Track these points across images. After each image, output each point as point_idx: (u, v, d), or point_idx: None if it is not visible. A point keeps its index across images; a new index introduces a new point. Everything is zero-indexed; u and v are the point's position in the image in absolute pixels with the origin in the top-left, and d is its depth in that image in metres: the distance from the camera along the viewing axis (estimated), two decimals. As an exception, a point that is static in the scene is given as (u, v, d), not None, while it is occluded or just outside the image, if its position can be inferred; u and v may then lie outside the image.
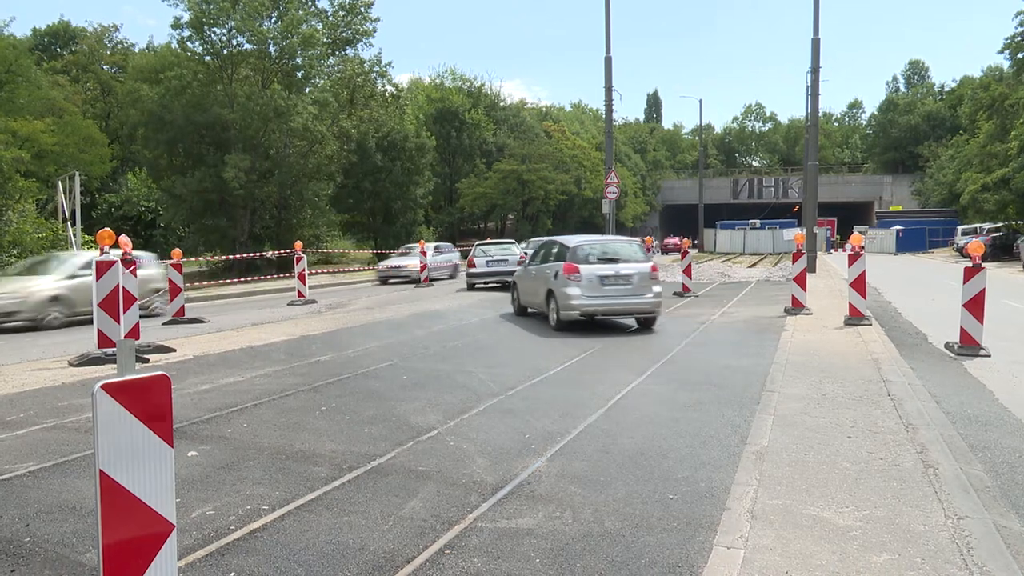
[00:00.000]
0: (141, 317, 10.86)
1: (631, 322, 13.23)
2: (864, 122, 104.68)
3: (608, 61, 27.59)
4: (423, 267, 25.93)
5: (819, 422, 6.23)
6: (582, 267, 12.35)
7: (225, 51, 32.25)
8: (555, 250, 13.66)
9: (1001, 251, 34.61)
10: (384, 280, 27.29)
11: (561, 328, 12.63)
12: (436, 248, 29.06)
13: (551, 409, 6.86)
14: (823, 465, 5.11)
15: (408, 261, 27.10)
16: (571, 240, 13.62)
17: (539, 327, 13.10)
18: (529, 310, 14.92)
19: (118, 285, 9.32)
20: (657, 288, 12.65)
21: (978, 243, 10.55)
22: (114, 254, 9.69)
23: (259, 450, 5.68)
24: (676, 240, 25.65)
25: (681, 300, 18.13)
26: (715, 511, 4.32)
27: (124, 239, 10.61)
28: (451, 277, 28.66)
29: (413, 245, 29.61)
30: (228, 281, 24.75)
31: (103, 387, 2.37)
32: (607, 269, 12.41)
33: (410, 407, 7.05)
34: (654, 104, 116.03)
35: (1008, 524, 4.10)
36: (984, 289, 9.73)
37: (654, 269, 12.74)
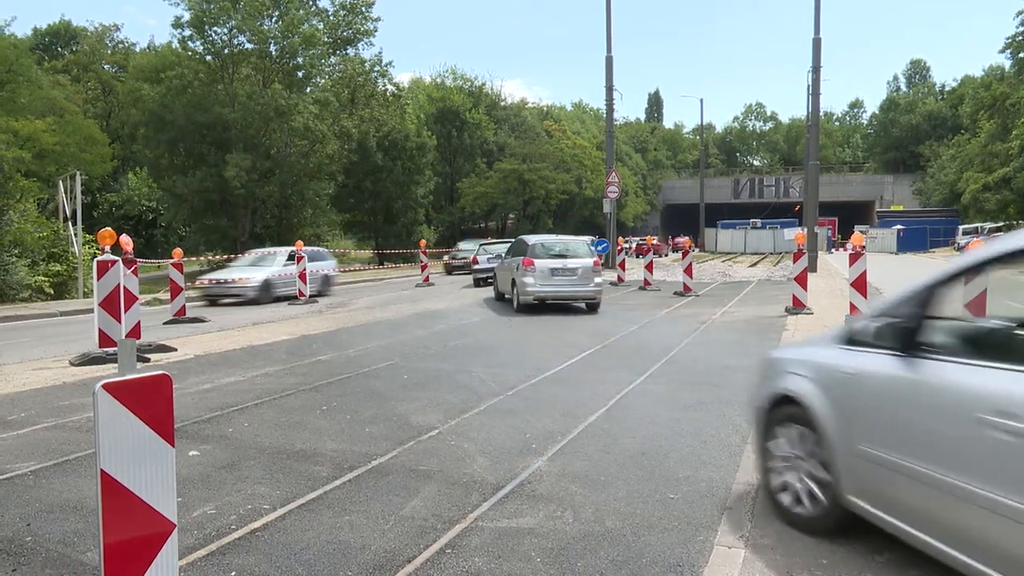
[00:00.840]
0: None
1: (638, 321, 13.39)
2: (865, 121, 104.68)
3: (609, 60, 27.60)
4: (424, 266, 25.91)
5: (820, 422, 6.23)
6: (537, 261, 15.26)
7: (226, 51, 32.28)
8: (520, 247, 16.48)
9: (1002, 251, 34.57)
10: (212, 300, 19.40)
11: (521, 310, 15.38)
12: (292, 257, 20.36)
13: (552, 409, 6.87)
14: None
15: (242, 274, 20.02)
16: (531, 239, 16.61)
17: (539, 327, 13.11)
18: (505, 296, 17.10)
19: (119, 284, 9.32)
20: (599, 279, 15.46)
21: (979, 243, 10.54)
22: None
23: (260, 449, 5.69)
24: (686, 239, 26.05)
25: (682, 299, 18.13)
26: (716, 511, 4.32)
27: (125, 239, 10.61)
28: (319, 294, 21.16)
29: (267, 251, 22.14)
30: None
31: (104, 387, 2.37)
32: (557, 263, 15.26)
33: (411, 406, 7.05)
34: (655, 103, 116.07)
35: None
36: (986, 289, 9.72)
37: (596, 264, 15.60)
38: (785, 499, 4.17)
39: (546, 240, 16.65)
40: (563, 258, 15.40)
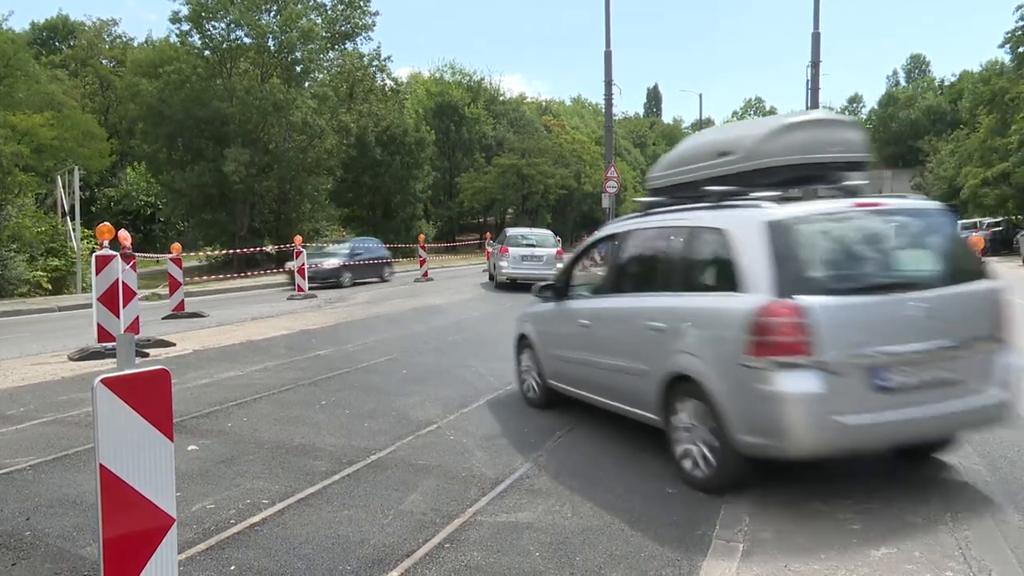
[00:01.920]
0: None
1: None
2: (864, 116, 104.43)
3: (608, 55, 27.50)
4: (423, 261, 25.90)
5: (818, 416, 6.24)
6: (511, 249, 19.34)
7: (224, 45, 32.15)
8: (502, 237, 20.92)
9: (1001, 245, 34.55)
10: None
11: (499, 287, 19.27)
12: None
13: (550, 405, 6.86)
14: (823, 460, 5.11)
15: None
16: (510, 231, 21.44)
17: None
18: (492, 276, 21.06)
19: (117, 279, 9.30)
20: (559, 264, 18.08)
21: (978, 238, 10.55)
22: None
23: (259, 444, 5.70)
24: None
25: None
26: (714, 505, 4.33)
27: (124, 234, 10.59)
28: None
29: None
30: (228, 276, 24.72)
31: (103, 381, 2.37)
32: (526, 251, 19.23)
33: (409, 401, 7.06)
34: (654, 98, 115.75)
35: (1006, 518, 4.11)
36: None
37: (558, 253, 19.35)
38: (527, 392, 7.07)
39: (521, 232, 21.15)
40: (532, 247, 19.34)
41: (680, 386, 4.70)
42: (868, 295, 4.27)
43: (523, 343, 7.16)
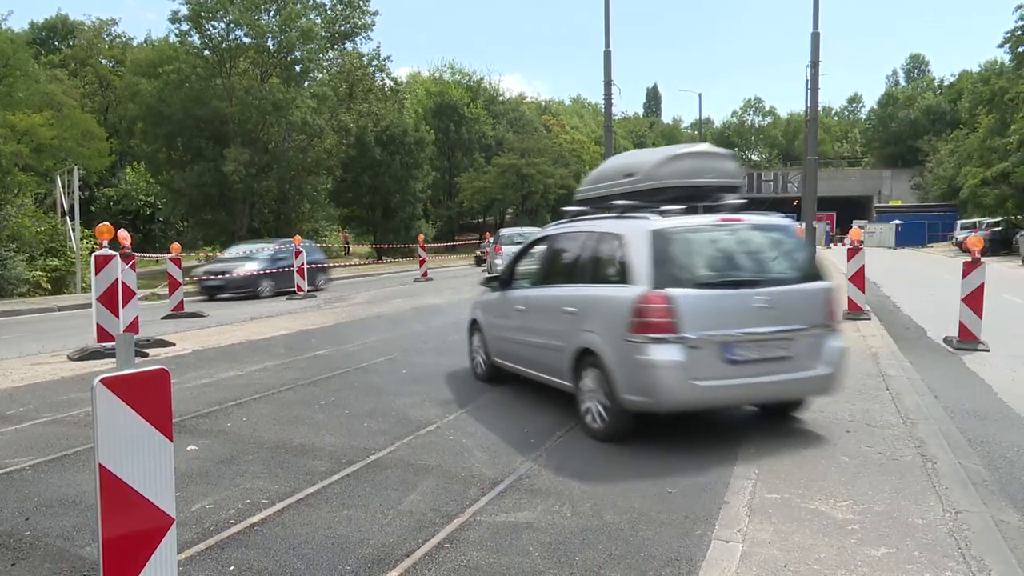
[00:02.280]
0: None
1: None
2: (864, 116, 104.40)
3: (607, 55, 27.45)
4: (422, 261, 25.90)
5: (817, 416, 6.25)
6: (504, 247, 21.42)
7: (224, 45, 32.20)
8: (497, 237, 23.79)
9: (1000, 245, 34.54)
10: None
11: None
12: None
13: (550, 403, 6.86)
14: (821, 459, 5.12)
15: None
16: (504, 231, 24.44)
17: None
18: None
19: (117, 279, 9.30)
20: None
21: (977, 238, 10.54)
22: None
23: (258, 444, 5.69)
24: None
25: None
26: (713, 505, 4.33)
27: (123, 234, 10.59)
28: None
29: None
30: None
31: (102, 381, 2.37)
32: (517, 248, 19.06)
33: (409, 401, 7.06)
34: (653, 98, 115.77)
35: (1006, 518, 4.11)
36: (983, 284, 9.72)
37: None
38: (476, 368, 8.12)
39: (514, 231, 23.69)
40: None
41: (585, 358, 5.82)
42: (723, 289, 5.41)
43: (474, 327, 8.21)
